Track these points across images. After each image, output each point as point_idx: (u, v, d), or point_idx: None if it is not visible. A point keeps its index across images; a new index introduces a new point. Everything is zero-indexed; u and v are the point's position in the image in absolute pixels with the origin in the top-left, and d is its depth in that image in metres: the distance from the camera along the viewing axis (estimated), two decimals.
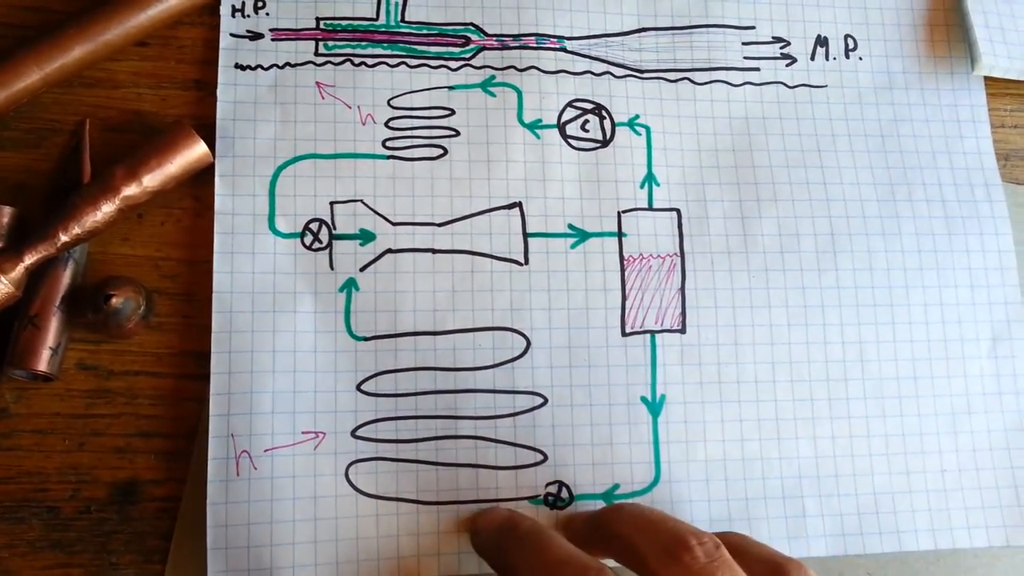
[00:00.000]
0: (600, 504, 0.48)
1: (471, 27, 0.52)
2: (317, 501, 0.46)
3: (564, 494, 0.48)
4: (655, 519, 0.41)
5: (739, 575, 0.38)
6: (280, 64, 0.50)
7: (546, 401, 0.49)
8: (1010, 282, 0.54)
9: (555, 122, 0.52)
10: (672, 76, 0.54)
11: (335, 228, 0.49)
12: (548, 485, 0.48)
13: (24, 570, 0.45)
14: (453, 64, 0.52)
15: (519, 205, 0.51)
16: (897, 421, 0.51)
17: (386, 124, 0.50)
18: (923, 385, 0.52)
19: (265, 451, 0.46)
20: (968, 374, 0.53)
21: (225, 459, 0.46)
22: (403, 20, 0.52)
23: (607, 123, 0.52)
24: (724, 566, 0.38)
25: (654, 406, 0.50)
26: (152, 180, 0.46)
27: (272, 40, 0.51)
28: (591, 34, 0.53)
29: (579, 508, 0.48)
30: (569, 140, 0.52)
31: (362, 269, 0.49)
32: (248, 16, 0.51)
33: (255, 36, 0.51)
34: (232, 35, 0.50)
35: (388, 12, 0.52)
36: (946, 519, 0.51)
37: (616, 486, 0.49)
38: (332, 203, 0.49)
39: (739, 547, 0.41)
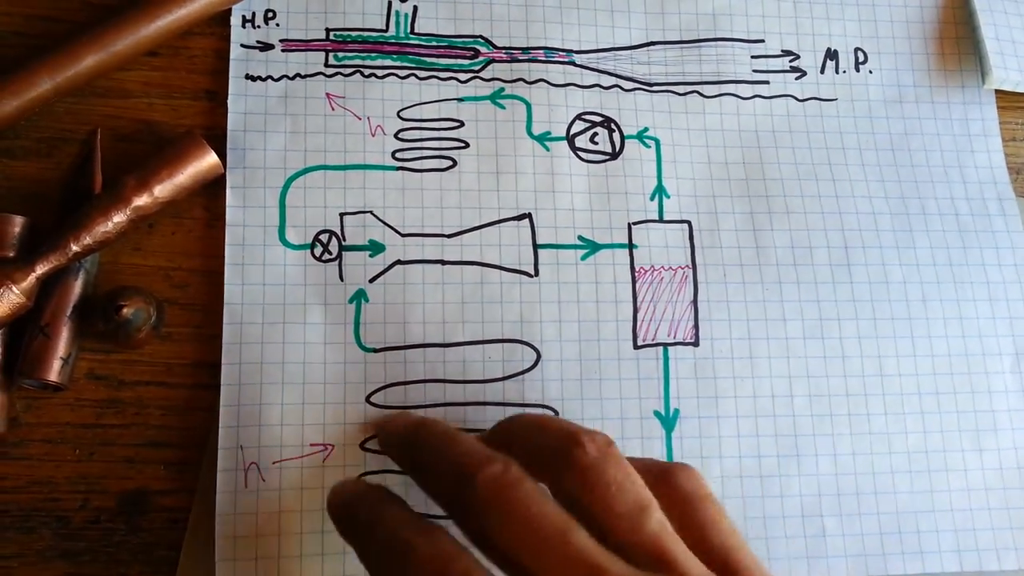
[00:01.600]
0: None
1: (480, 39, 0.53)
2: (326, 514, 0.45)
3: None
4: (547, 422, 0.41)
5: (627, 468, 0.38)
6: (290, 75, 0.51)
7: (557, 414, 0.48)
8: None
9: (564, 135, 0.52)
10: (681, 89, 0.54)
11: (345, 239, 0.49)
12: None
13: None
14: (462, 76, 0.52)
15: (529, 216, 0.51)
16: (919, 438, 0.50)
17: (395, 135, 0.51)
18: (945, 401, 0.51)
19: (274, 463, 0.46)
20: (992, 390, 0.52)
21: (234, 470, 0.45)
22: (412, 32, 0.52)
23: (616, 136, 0.52)
24: (613, 459, 0.37)
25: (668, 420, 0.49)
26: (163, 190, 0.46)
27: (282, 51, 0.51)
28: (600, 47, 0.54)
29: None
30: (578, 152, 0.52)
31: (371, 280, 0.49)
32: (258, 27, 0.51)
33: (265, 47, 0.51)
34: (242, 46, 0.51)
35: (398, 24, 0.52)
36: (972, 540, 0.50)
37: None
38: (342, 214, 0.49)
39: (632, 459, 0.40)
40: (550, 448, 0.38)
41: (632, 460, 0.39)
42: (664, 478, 0.40)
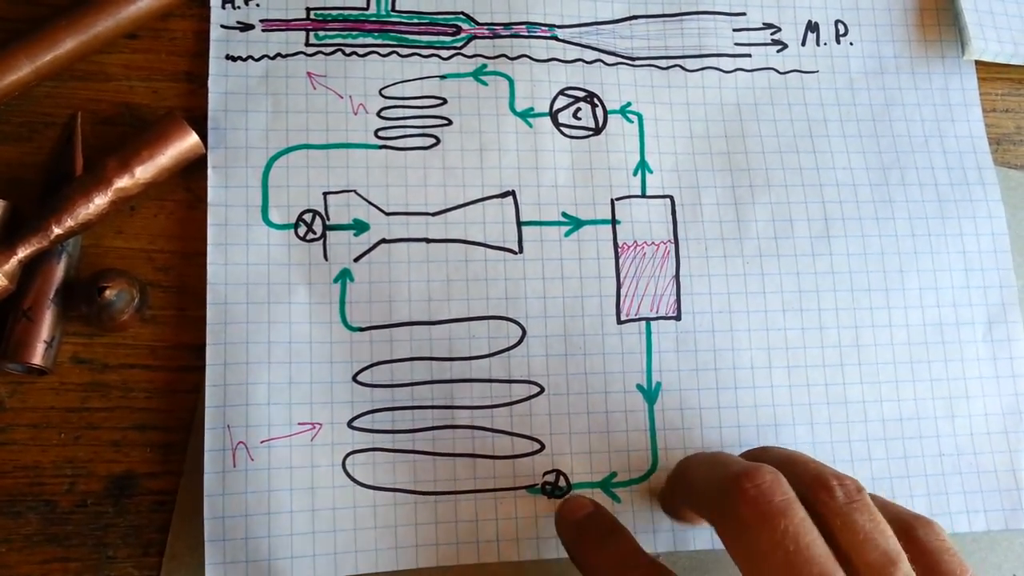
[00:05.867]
0: (598, 492, 0.48)
1: (462, 16, 0.52)
2: (314, 492, 0.46)
3: (562, 483, 0.48)
4: (799, 459, 0.41)
5: (877, 518, 0.38)
6: (271, 55, 0.50)
7: (542, 390, 0.49)
8: (1004, 265, 0.54)
9: (547, 110, 0.52)
10: (663, 63, 0.54)
11: (329, 219, 0.49)
12: (546, 474, 0.48)
13: (21, 565, 0.45)
14: (444, 53, 0.52)
15: (512, 194, 0.51)
16: (894, 406, 0.51)
17: (378, 114, 0.50)
18: (919, 369, 0.52)
19: (261, 442, 0.46)
20: (964, 358, 0.53)
21: (221, 451, 0.46)
22: (393, 9, 0.52)
23: (599, 111, 0.52)
24: (863, 508, 0.38)
25: (650, 393, 0.50)
26: (144, 172, 0.46)
27: (263, 31, 0.51)
28: (582, 22, 0.53)
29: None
30: (561, 128, 0.52)
31: (356, 259, 0.49)
32: (238, 7, 0.51)
33: (245, 27, 0.51)
34: (222, 26, 0.50)
35: (379, 1, 0.52)
36: (944, 503, 0.51)
37: (613, 474, 0.49)
38: (325, 193, 0.49)
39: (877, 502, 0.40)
40: (799, 487, 0.38)
41: (882, 508, 0.39)
42: (906, 530, 0.39)
